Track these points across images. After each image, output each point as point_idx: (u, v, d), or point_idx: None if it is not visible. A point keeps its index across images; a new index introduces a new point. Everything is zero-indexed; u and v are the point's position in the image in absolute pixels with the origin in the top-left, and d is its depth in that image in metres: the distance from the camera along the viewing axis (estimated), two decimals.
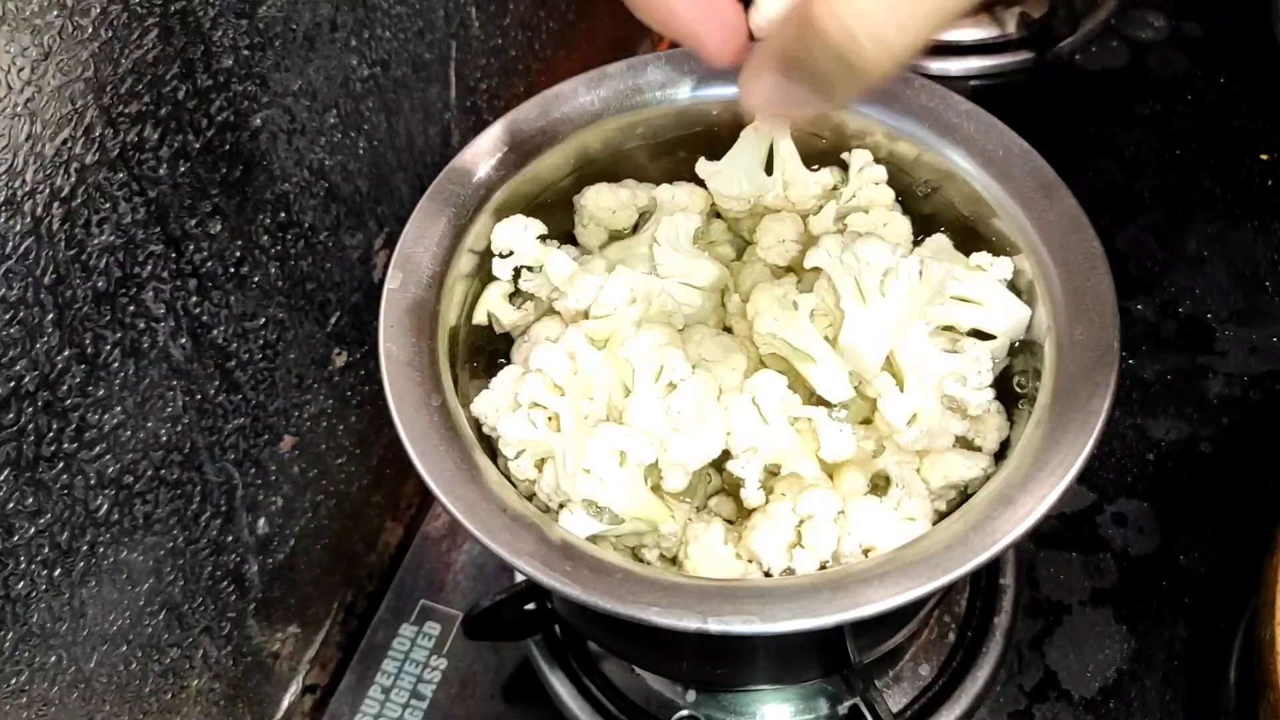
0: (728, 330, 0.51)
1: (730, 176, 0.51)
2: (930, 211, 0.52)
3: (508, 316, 0.51)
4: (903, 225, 0.51)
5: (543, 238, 0.51)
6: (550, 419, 0.44)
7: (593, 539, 0.43)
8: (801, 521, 0.43)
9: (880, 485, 0.46)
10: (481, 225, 0.50)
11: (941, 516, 0.43)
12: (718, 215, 0.54)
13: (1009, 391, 0.48)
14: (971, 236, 0.50)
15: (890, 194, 0.52)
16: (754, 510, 0.45)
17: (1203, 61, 0.88)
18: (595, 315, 0.47)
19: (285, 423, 0.58)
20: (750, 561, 0.44)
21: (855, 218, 0.51)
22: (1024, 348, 0.47)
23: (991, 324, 0.47)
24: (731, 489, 0.47)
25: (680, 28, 0.38)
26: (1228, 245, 0.77)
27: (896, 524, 0.43)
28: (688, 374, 0.44)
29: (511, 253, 0.51)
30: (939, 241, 0.50)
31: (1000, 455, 0.46)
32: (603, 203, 0.53)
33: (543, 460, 0.45)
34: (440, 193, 0.49)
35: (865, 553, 0.42)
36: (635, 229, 0.54)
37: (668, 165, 0.55)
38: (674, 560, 0.46)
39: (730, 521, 0.46)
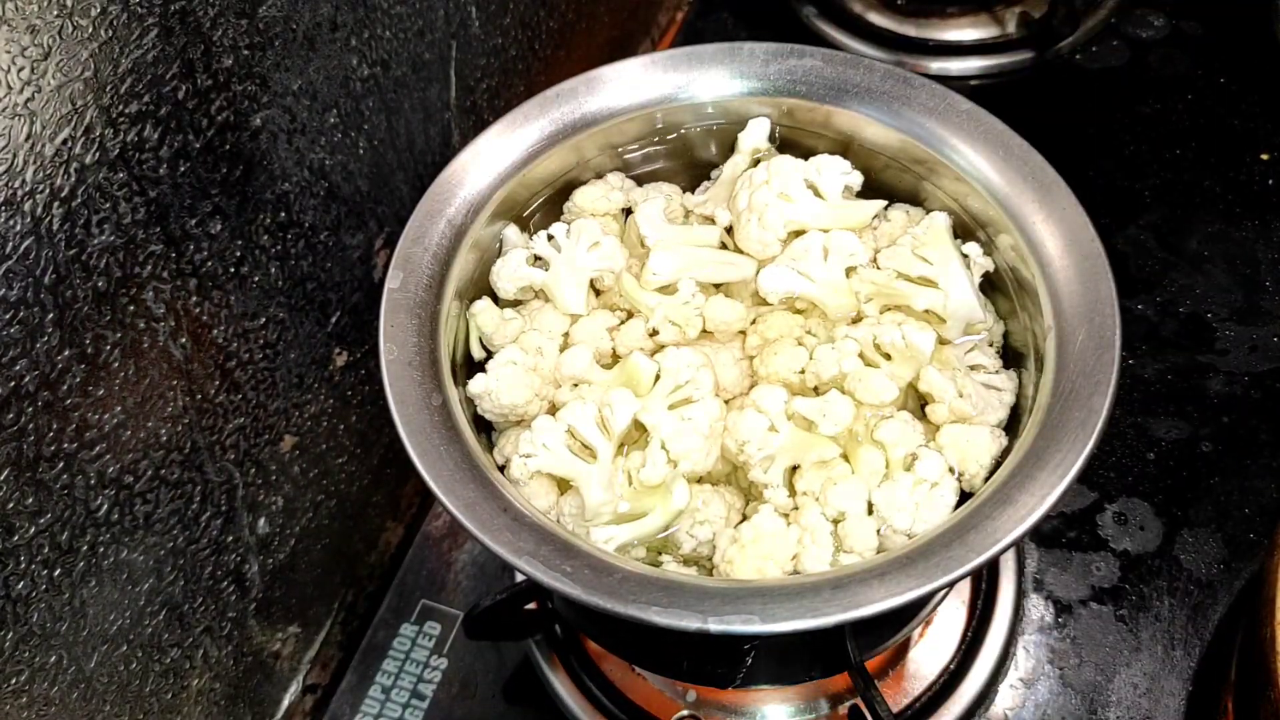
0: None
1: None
2: (931, 209, 0.52)
3: (497, 329, 0.51)
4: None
5: (535, 257, 0.52)
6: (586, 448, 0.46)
7: (621, 549, 0.44)
8: (836, 522, 0.44)
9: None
10: (481, 226, 0.50)
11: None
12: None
13: None
14: (969, 234, 0.50)
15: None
16: (786, 515, 0.45)
17: (1203, 61, 0.88)
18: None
19: (285, 423, 0.58)
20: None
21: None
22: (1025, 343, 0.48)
23: (943, 308, 0.48)
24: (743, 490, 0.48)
25: None
26: (1228, 244, 0.77)
27: (926, 496, 0.43)
28: (709, 394, 0.46)
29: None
30: (939, 220, 0.50)
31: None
32: (591, 198, 0.53)
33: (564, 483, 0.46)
34: (440, 193, 0.49)
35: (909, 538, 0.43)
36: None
37: (666, 165, 0.55)
38: (699, 559, 0.46)
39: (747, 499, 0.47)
